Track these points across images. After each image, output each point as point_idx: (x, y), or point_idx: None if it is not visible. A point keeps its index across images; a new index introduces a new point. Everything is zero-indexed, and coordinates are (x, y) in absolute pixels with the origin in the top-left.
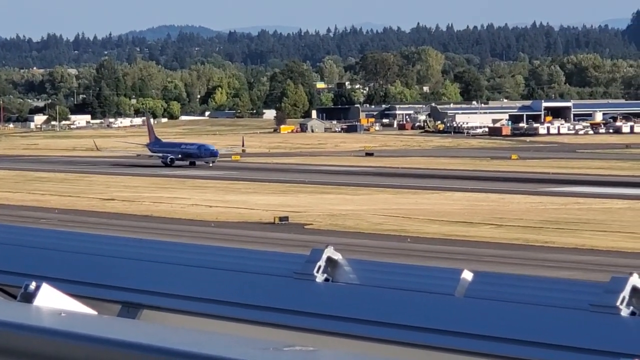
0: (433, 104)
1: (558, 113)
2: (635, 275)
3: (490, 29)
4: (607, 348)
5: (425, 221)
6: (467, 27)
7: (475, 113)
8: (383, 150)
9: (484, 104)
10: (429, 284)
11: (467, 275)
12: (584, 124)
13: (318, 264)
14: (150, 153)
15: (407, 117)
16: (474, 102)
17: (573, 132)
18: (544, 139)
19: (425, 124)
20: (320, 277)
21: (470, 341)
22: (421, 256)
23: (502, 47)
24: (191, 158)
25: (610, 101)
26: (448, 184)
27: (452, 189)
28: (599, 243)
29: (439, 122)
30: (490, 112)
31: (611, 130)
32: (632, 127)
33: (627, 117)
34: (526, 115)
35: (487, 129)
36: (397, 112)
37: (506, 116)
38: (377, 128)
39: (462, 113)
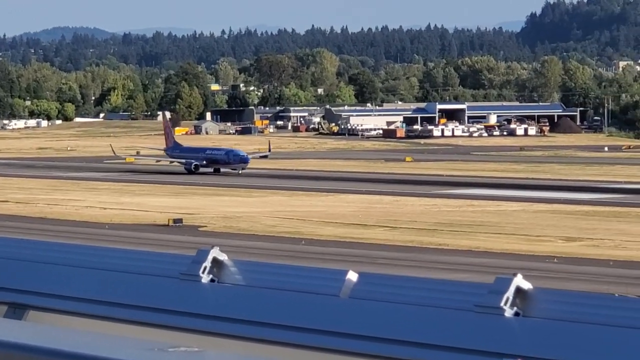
0: (327, 106)
1: (452, 115)
2: (519, 275)
3: (385, 31)
4: (491, 349)
5: (320, 223)
6: (362, 29)
7: (370, 115)
8: (277, 152)
9: (379, 106)
10: (314, 284)
11: (352, 276)
12: (479, 126)
13: (204, 264)
14: (169, 159)
15: (301, 119)
16: (369, 105)
17: (467, 134)
18: (439, 141)
19: (320, 126)
20: (205, 278)
21: (355, 342)
22: (315, 258)
23: (396, 49)
24: (217, 164)
25: (505, 103)
26: (342, 186)
27: (347, 191)
28: (493, 245)
29: (334, 124)
30: (384, 115)
31: (505, 133)
32: (526, 130)
33: (521, 119)
34: (420, 117)
35: (381, 131)
36: (292, 114)
37: (401, 118)
38: (271, 130)
39: (357, 115)
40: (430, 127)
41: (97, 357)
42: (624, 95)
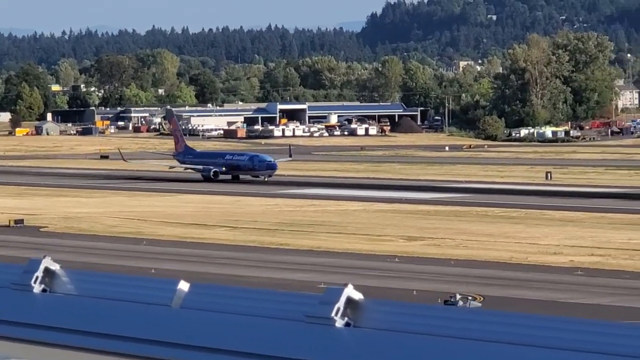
0: (168, 107)
1: (293, 115)
2: (350, 286)
3: (226, 32)
4: (322, 359)
5: (161, 223)
6: (203, 29)
7: (211, 116)
8: (117, 153)
9: (219, 106)
10: (146, 294)
11: (184, 286)
12: (319, 126)
13: (35, 274)
14: (179, 164)
15: (142, 119)
16: (209, 105)
17: (308, 134)
18: (279, 141)
19: (161, 126)
20: (37, 288)
21: (186, 352)
22: (156, 258)
23: (237, 49)
24: (239, 171)
25: (345, 103)
26: (182, 186)
27: (187, 191)
28: (334, 245)
29: None
30: (225, 115)
31: (346, 133)
32: (367, 130)
33: (362, 119)
34: (261, 117)
35: (222, 132)
36: (133, 114)
37: (241, 119)
38: (112, 131)
39: (198, 116)
40: (271, 127)
41: None
42: (464, 95)
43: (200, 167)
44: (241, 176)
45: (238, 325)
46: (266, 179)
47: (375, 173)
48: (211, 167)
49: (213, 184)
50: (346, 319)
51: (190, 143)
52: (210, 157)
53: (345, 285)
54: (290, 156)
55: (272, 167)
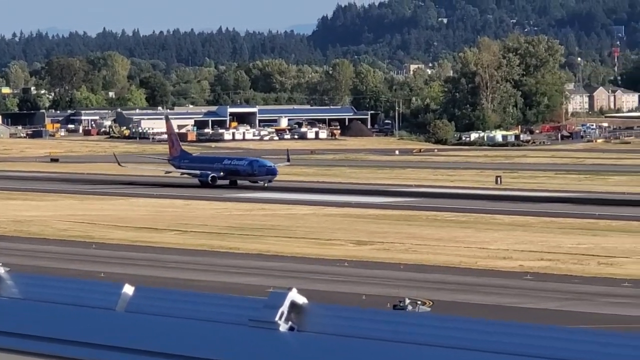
0: (119, 110)
1: (244, 119)
2: (294, 290)
3: (177, 34)
4: None
5: (111, 227)
6: (153, 32)
7: (161, 119)
8: (68, 156)
9: (170, 109)
10: (90, 298)
11: (128, 289)
12: (270, 129)
13: None
14: (175, 169)
15: (92, 122)
16: (160, 108)
17: (258, 137)
18: (230, 144)
19: (111, 129)
20: None
21: (130, 356)
22: (106, 262)
23: (188, 52)
24: (237, 176)
25: (296, 107)
26: (133, 190)
27: (137, 195)
28: (283, 249)
29: (125, 127)
30: (176, 118)
31: (296, 136)
32: (317, 133)
33: (312, 122)
34: (212, 120)
35: None
36: (83, 117)
37: (192, 122)
38: (62, 133)
39: (148, 119)
40: (221, 131)
41: None
42: (414, 98)
43: (198, 172)
44: (239, 181)
45: (182, 329)
46: (266, 185)
47: (325, 177)
48: (209, 172)
49: (205, 189)
50: (290, 323)
51: (141, 147)
52: (207, 161)
53: (290, 289)
54: (289, 160)
55: (273, 172)
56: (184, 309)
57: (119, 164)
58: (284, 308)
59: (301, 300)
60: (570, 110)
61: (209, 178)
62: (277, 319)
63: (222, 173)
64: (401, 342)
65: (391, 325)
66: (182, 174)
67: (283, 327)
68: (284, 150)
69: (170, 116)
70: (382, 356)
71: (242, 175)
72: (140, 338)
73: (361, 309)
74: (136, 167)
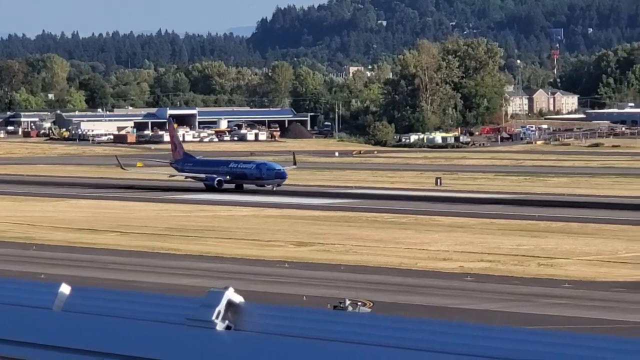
0: (58, 112)
1: (183, 120)
2: (231, 289)
3: (116, 37)
4: None
5: (51, 229)
6: (93, 34)
7: (101, 120)
8: (8, 157)
9: (110, 111)
10: (27, 298)
11: (65, 289)
12: (209, 131)
13: None
14: (178, 173)
15: (32, 124)
16: (99, 110)
17: (198, 139)
18: (169, 146)
19: (51, 131)
20: None
21: (68, 355)
22: (46, 264)
23: (127, 54)
24: (245, 180)
25: (236, 109)
26: (73, 191)
27: (78, 196)
28: (223, 250)
29: (65, 129)
30: (115, 120)
31: (236, 138)
32: (257, 135)
33: (252, 124)
34: (151, 122)
35: (112, 137)
36: (22, 119)
37: (131, 124)
38: (1, 135)
39: (88, 120)
40: (161, 133)
41: None
42: (354, 100)
43: (203, 175)
44: (245, 185)
45: (120, 328)
46: (274, 189)
47: None
48: (215, 176)
49: (209, 193)
50: (227, 322)
51: (80, 148)
52: (213, 165)
53: (226, 288)
54: (295, 164)
55: (282, 175)
56: (122, 309)
57: (121, 167)
58: (221, 307)
59: (238, 299)
60: (510, 112)
61: (215, 182)
62: (214, 318)
63: (228, 177)
64: (336, 340)
65: (326, 325)
66: (187, 177)
67: (220, 326)
68: (224, 152)
69: (110, 118)
70: (317, 355)
71: (250, 178)
72: (77, 337)
73: (296, 308)
74: (138, 171)
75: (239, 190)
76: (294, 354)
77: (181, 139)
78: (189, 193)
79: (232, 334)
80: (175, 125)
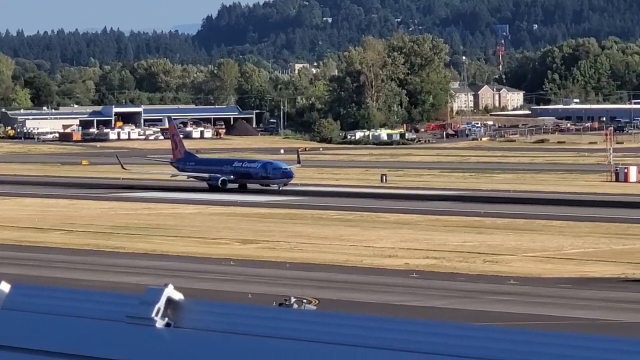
0: (3, 110)
1: (129, 118)
2: (170, 286)
3: (61, 34)
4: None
5: None
6: (38, 32)
7: (46, 119)
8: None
9: (55, 109)
10: None
11: (5, 287)
12: (155, 129)
13: None
14: (179, 172)
15: None
16: (45, 108)
17: (144, 137)
18: (115, 144)
19: None
20: None
21: (6, 354)
22: None
23: (72, 52)
24: (249, 179)
25: (181, 106)
26: (18, 189)
27: (23, 194)
28: (169, 248)
29: (10, 127)
30: (61, 118)
31: (182, 135)
32: (202, 132)
33: (197, 122)
34: (97, 120)
35: (57, 135)
36: None
37: (77, 122)
38: None
39: (33, 119)
40: (106, 131)
41: None
42: (299, 97)
43: (207, 175)
44: (249, 185)
45: (59, 326)
46: (280, 188)
47: None
48: (219, 176)
49: (213, 193)
50: (166, 319)
51: (26, 147)
52: (215, 164)
53: (166, 285)
54: (299, 162)
55: (289, 175)
56: (61, 306)
57: (122, 167)
58: (160, 304)
59: (177, 296)
60: (455, 108)
61: (219, 182)
62: (153, 315)
63: (232, 176)
64: (279, 338)
65: (268, 322)
66: (189, 177)
67: (159, 323)
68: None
69: (55, 116)
70: (260, 352)
71: (255, 178)
72: (16, 335)
73: (237, 305)
74: (139, 170)
75: (242, 190)
76: (235, 351)
77: (126, 136)
78: (189, 193)
79: (171, 331)
80: (120, 123)
